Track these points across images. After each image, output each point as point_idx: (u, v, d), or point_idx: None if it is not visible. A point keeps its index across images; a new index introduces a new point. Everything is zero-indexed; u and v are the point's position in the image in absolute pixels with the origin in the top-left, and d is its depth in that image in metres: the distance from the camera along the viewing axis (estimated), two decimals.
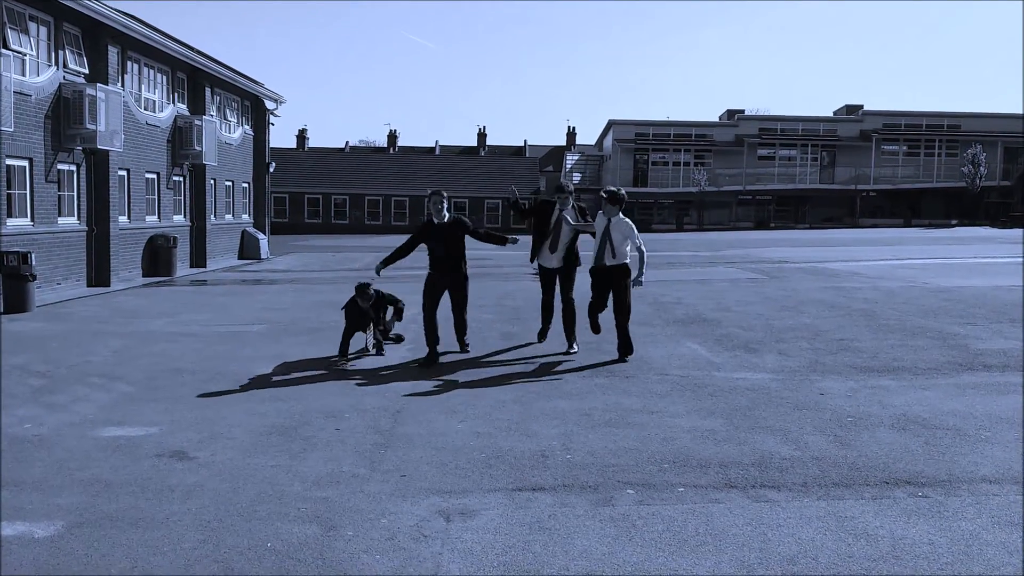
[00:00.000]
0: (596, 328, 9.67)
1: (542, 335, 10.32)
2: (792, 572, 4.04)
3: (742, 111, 63.03)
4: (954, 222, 55.16)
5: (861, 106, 61.52)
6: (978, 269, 20.50)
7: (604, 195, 9.37)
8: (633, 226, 9.31)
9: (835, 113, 63.72)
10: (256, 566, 4.13)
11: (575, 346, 9.77)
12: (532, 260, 10.11)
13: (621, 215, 9.30)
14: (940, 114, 60.65)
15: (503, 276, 20.59)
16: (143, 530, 4.58)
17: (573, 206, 9.83)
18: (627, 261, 9.32)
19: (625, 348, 9.36)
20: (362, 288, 9.76)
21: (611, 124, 61.21)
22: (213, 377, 8.63)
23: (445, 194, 9.51)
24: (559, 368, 8.95)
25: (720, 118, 63.85)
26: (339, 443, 6.21)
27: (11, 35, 15.67)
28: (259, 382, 8.42)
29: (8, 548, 4.36)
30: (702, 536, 4.48)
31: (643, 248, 9.30)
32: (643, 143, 59.83)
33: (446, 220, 9.39)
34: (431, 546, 4.36)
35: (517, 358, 9.55)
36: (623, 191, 9.54)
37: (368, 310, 9.79)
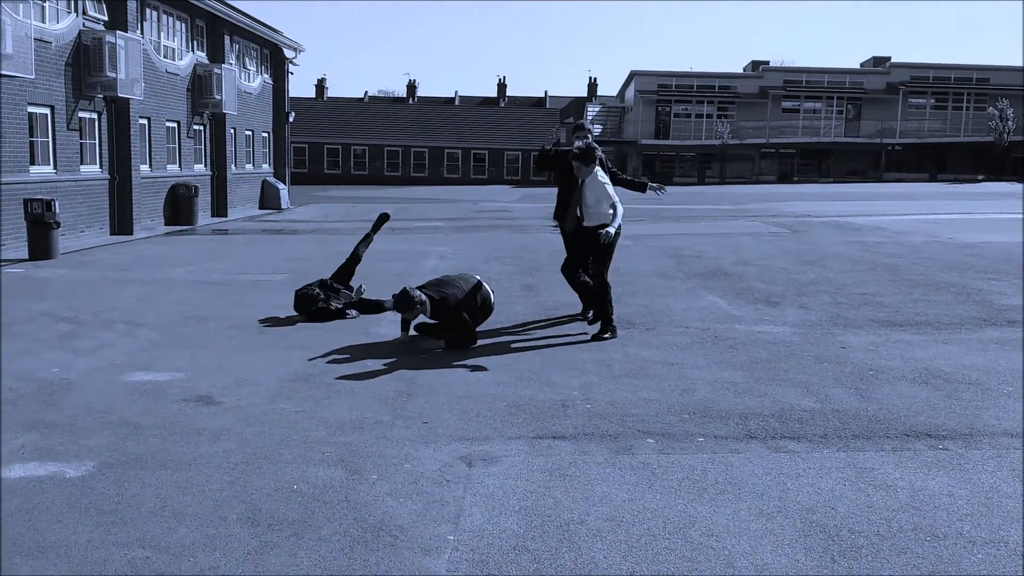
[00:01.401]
0: (581, 289, 8.63)
1: (585, 311, 8.91)
2: (811, 521, 4.07)
3: (767, 62, 61.84)
4: (980, 177, 54.32)
5: (888, 58, 60.23)
6: (1003, 225, 20.23)
7: (575, 152, 8.01)
8: (607, 184, 8.04)
9: (862, 65, 62.46)
10: (282, 507, 4.21)
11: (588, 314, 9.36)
12: (555, 217, 9.11)
13: (596, 173, 8.05)
14: (969, 67, 59.26)
15: (520, 228, 20.55)
16: (171, 471, 4.68)
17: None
18: (608, 222, 7.97)
19: (598, 312, 8.28)
20: (304, 297, 8.98)
21: (633, 75, 60.34)
22: (237, 324, 8.72)
23: (418, 297, 7.48)
24: (580, 319, 8.96)
25: (744, 69, 62.75)
26: (362, 390, 6.28)
27: None
28: (282, 330, 8.50)
29: (41, 487, 4.48)
30: (721, 484, 4.52)
31: (618, 205, 7.96)
32: (665, 95, 58.98)
33: (428, 316, 7.78)
34: (453, 490, 4.43)
35: (537, 309, 9.57)
36: (596, 147, 8.12)
37: (318, 301, 8.97)
